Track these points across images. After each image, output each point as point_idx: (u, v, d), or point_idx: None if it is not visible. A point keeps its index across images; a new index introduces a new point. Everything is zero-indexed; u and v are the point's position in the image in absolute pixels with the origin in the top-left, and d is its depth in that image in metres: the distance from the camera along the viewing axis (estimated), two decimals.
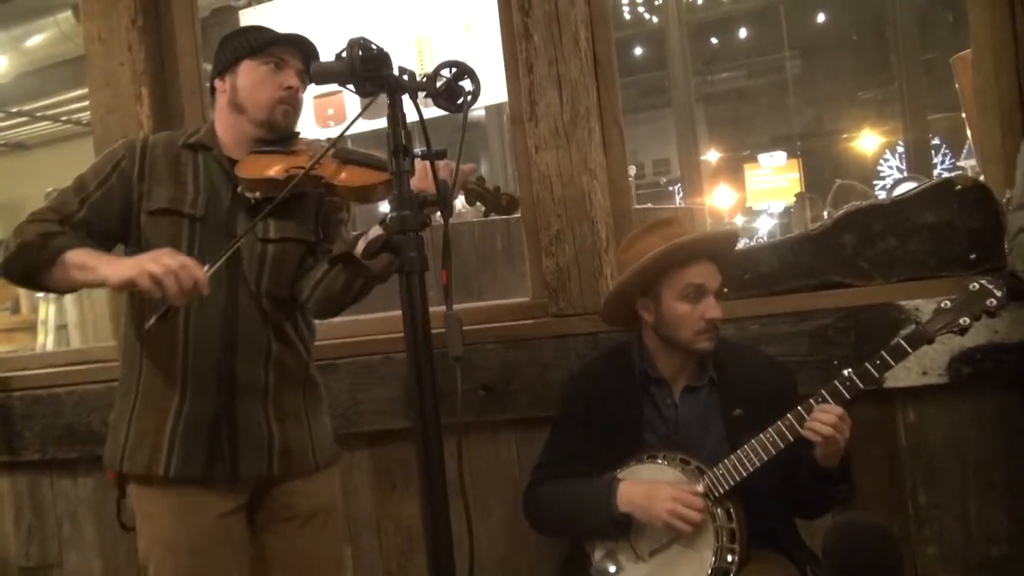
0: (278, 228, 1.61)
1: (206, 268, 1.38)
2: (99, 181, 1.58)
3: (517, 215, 1.59)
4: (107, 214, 1.57)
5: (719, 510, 1.55)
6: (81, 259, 1.45)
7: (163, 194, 1.58)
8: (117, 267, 1.41)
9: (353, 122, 1.45)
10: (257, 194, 1.56)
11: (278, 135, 1.62)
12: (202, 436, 1.55)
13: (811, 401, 1.52)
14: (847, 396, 1.51)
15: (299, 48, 1.63)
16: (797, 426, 1.51)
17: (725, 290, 1.71)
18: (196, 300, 1.45)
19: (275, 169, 1.54)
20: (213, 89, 1.66)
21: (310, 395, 1.69)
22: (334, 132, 2.83)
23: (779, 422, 1.53)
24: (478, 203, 1.60)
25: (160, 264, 1.34)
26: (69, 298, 3.88)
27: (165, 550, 1.54)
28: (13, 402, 2.39)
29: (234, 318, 1.57)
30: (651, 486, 1.57)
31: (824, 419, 1.47)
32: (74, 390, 2.32)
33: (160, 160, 1.60)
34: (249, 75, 1.60)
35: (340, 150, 1.57)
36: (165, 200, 1.57)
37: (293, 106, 1.63)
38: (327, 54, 1.21)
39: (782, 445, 1.53)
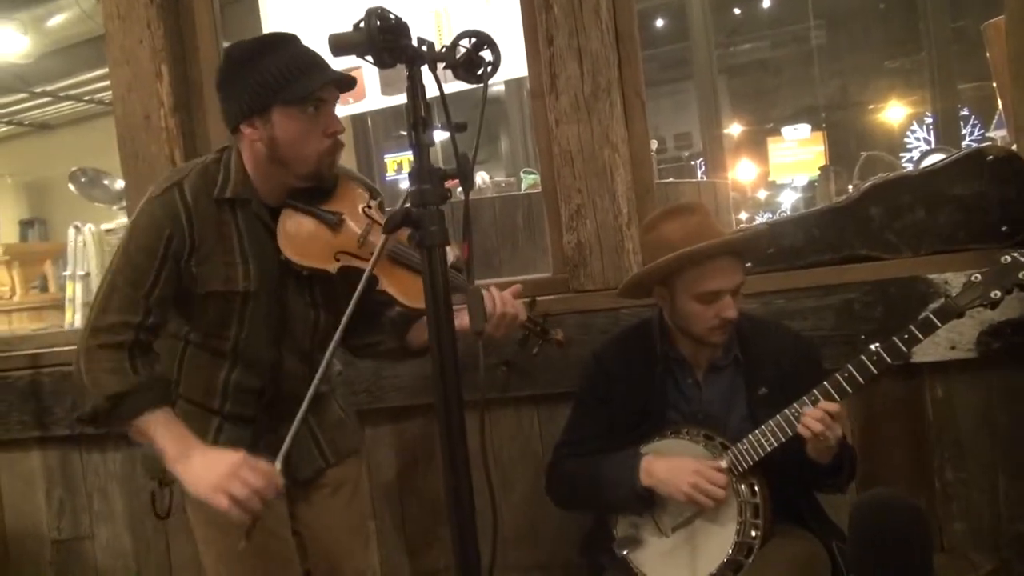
0: (325, 293, 1.55)
1: (278, 465, 1.35)
2: (155, 271, 1.43)
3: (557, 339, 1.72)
4: (169, 301, 1.48)
5: (743, 485, 1.54)
6: (150, 432, 1.39)
7: (215, 273, 1.47)
8: (191, 473, 1.35)
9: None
10: (305, 272, 1.52)
11: (324, 185, 1.52)
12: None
13: (836, 375, 1.50)
14: (874, 371, 1.48)
15: (334, 81, 1.44)
16: (821, 400, 1.49)
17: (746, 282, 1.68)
18: (241, 361, 1.51)
19: (323, 256, 1.49)
20: (236, 128, 1.46)
21: (333, 382, 1.72)
22: (352, 109, 2.81)
23: (804, 397, 1.52)
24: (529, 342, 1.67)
25: (241, 484, 1.30)
26: (95, 277, 3.92)
27: (230, 558, 1.53)
28: (43, 379, 2.42)
29: (279, 377, 1.54)
30: (674, 461, 1.57)
31: (814, 417, 1.45)
32: None
33: (206, 228, 1.46)
34: (287, 126, 1.41)
35: (394, 248, 1.51)
36: (218, 282, 1.47)
37: (339, 151, 1.49)
38: (345, 29, 1.19)
39: None
